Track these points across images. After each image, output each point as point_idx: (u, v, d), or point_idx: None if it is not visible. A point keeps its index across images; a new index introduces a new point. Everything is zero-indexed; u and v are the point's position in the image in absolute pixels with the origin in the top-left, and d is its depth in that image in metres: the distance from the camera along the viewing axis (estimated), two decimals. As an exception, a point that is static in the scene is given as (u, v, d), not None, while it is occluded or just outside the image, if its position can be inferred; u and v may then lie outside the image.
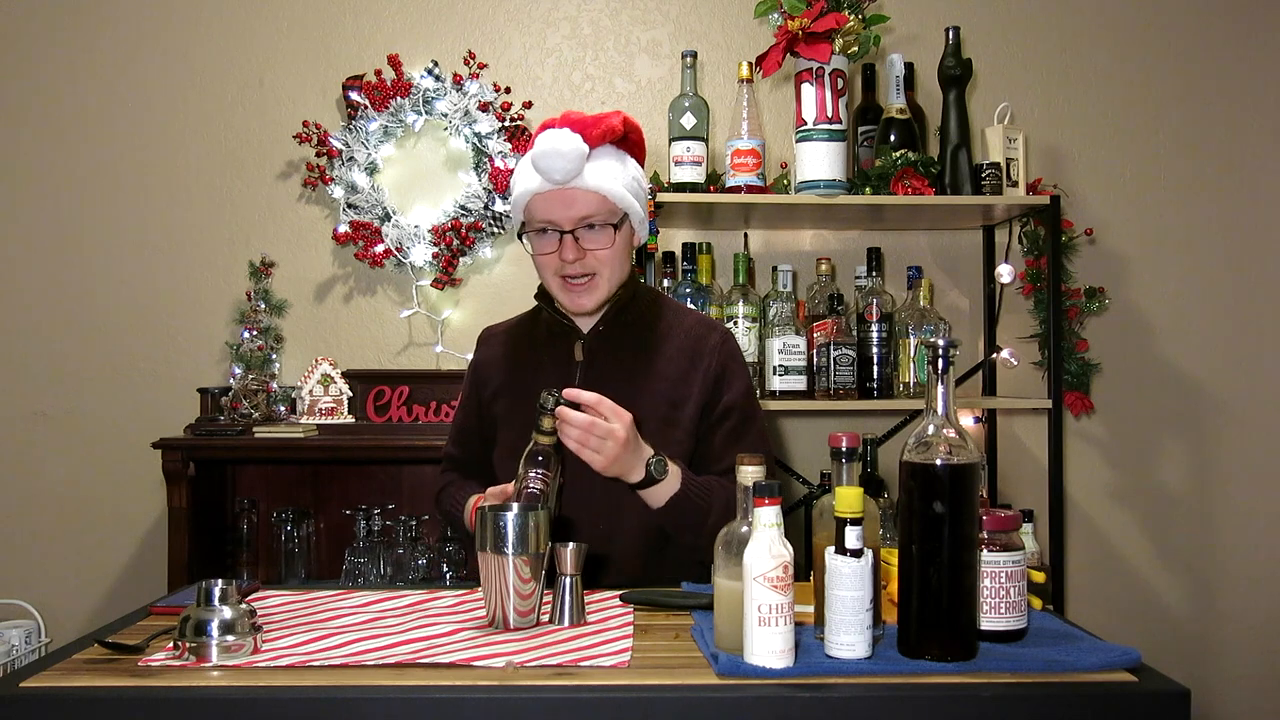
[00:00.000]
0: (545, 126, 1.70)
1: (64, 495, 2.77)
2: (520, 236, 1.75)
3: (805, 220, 2.74)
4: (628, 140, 1.73)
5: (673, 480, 1.61)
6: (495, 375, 1.83)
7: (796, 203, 2.45)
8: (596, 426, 1.52)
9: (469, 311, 2.81)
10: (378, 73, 2.75)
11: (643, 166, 1.78)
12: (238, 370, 2.67)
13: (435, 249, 2.73)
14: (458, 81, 2.74)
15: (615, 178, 1.68)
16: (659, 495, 1.61)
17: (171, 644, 1.24)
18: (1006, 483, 2.79)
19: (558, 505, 1.64)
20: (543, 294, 1.83)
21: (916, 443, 1.18)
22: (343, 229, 2.74)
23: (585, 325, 1.77)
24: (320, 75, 2.80)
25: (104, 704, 1.12)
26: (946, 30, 2.55)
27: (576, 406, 1.53)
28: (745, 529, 1.21)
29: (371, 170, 2.75)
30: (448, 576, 2.49)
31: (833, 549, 1.17)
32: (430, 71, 2.74)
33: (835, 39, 2.34)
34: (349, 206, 2.74)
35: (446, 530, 2.55)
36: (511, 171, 2.71)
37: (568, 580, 1.38)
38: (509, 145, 2.73)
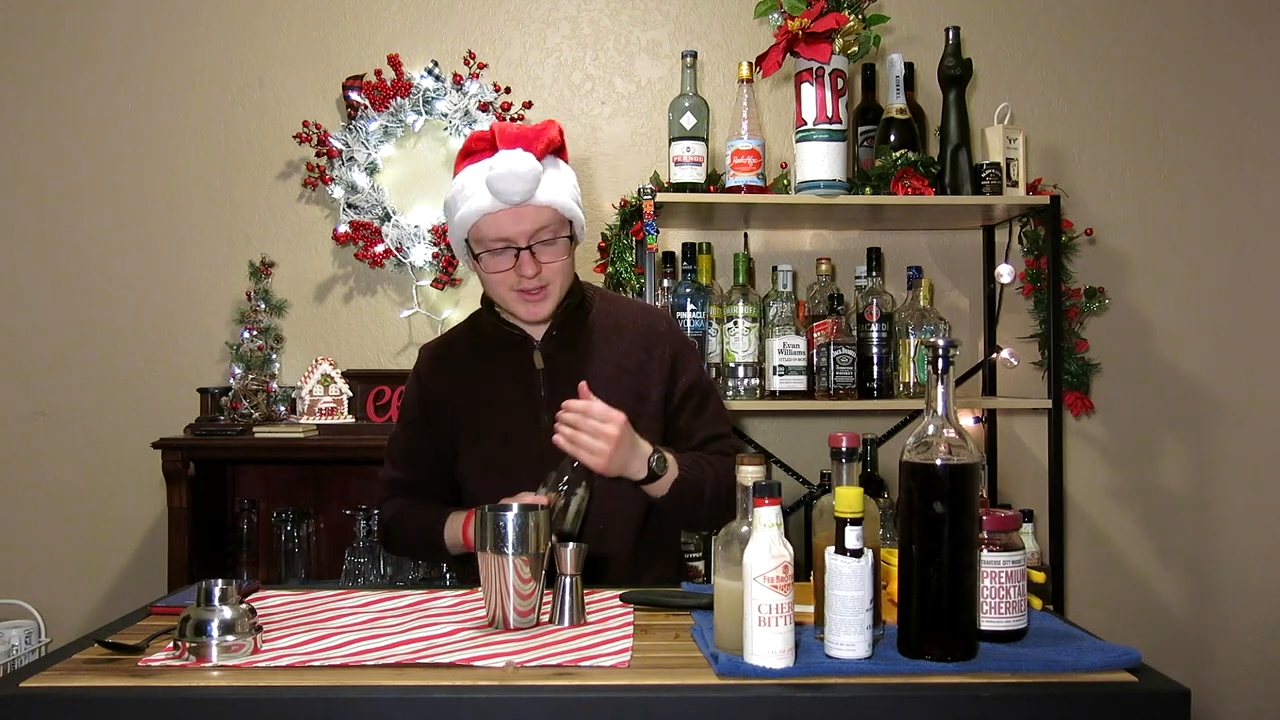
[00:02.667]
0: (479, 139, 1.70)
1: (64, 495, 2.77)
2: (476, 256, 1.73)
3: (805, 220, 2.74)
4: (562, 148, 1.75)
5: (671, 469, 1.67)
6: (448, 391, 1.82)
7: (796, 203, 2.45)
8: (586, 422, 1.57)
9: (469, 311, 2.79)
10: (378, 73, 2.75)
11: (568, 165, 1.78)
12: (238, 370, 2.67)
13: (435, 249, 2.73)
14: (458, 81, 2.74)
15: (563, 190, 1.71)
16: (661, 485, 1.67)
17: (171, 644, 1.24)
18: (1006, 483, 2.79)
19: (581, 526, 1.67)
20: (489, 306, 1.84)
21: (916, 443, 1.18)
22: (343, 229, 2.74)
23: (536, 333, 1.79)
24: (320, 75, 2.80)
25: (104, 704, 1.12)
26: (946, 30, 2.55)
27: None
28: (745, 529, 1.21)
29: (371, 170, 2.75)
30: (448, 576, 2.49)
31: (833, 549, 1.17)
32: (430, 71, 2.74)
33: (835, 39, 2.34)
34: (349, 206, 2.74)
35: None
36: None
37: (568, 580, 1.38)
38: (509, 145, 2.73)
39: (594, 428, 1.57)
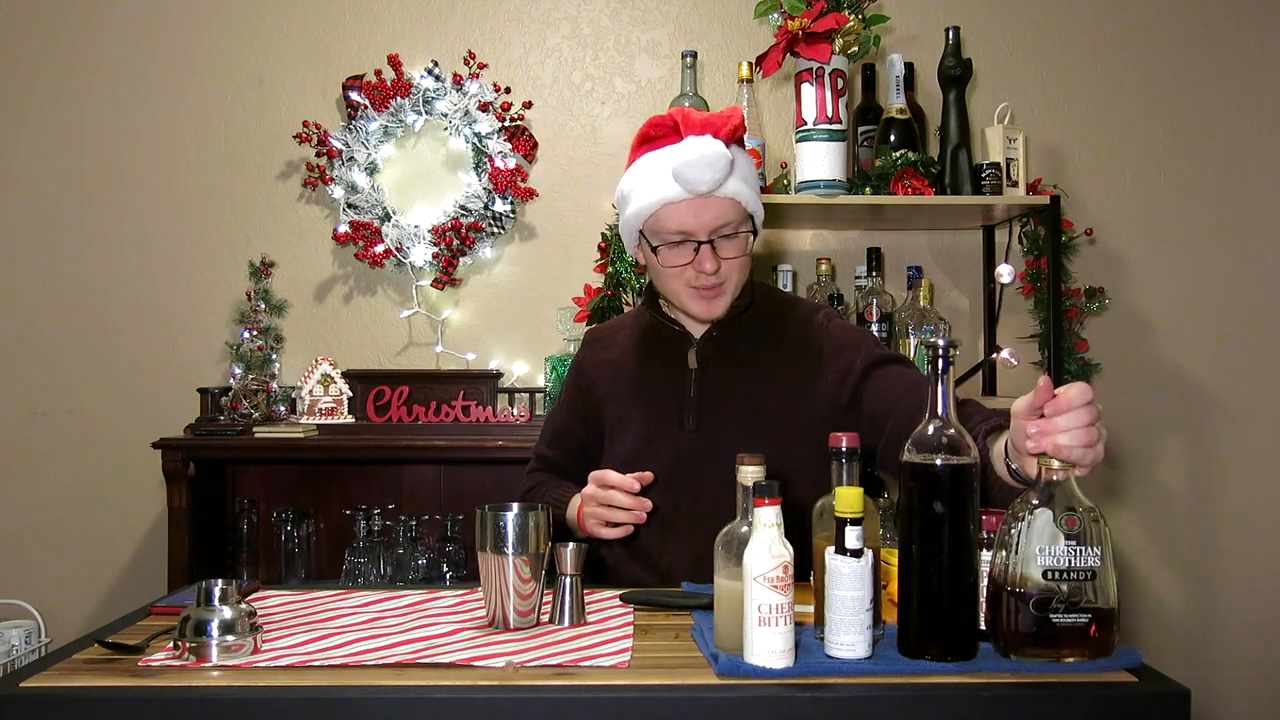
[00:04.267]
0: (658, 126, 1.60)
1: (64, 495, 2.77)
2: (654, 249, 1.63)
3: (805, 220, 2.74)
4: (742, 138, 1.65)
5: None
6: (603, 379, 1.78)
7: (796, 203, 2.45)
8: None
9: (469, 312, 2.81)
10: (378, 73, 2.75)
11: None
12: (238, 370, 2.67)
13: (435, 249, 2.73)
14: (458, 81, 2.74)
15: (746, 180, 1.62)
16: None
17: (171, 644, 1.24)
18: (1006, 483, 2.78)
19: None
20: (651, 299, 1.77)
21: (916, 442, 1.18)
22: (343, 229, 2.74)
23: (696, 331, 1.72)
24: (320, 75, 2.80)
25: (104, 704, 1.12)
26: (946, 30, 2.55)
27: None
28: (745, 529, 1.21)
29: (371, 170, 2.75)
30: (448, 576, 2.49)
31: (833, 549, 1.17)
32: (430, 71, 2.74)
33: (835, 39, 2.34)
34: (349, 206, 2.74)
35: (447, 530, 2.54)
36: (511, 172, 2.72)
37: (568, 580, 1.38)
38: (509, 145, 2.73)
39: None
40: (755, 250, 2.74)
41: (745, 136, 1.74)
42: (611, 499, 1.58)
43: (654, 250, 1.64)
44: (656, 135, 1.61)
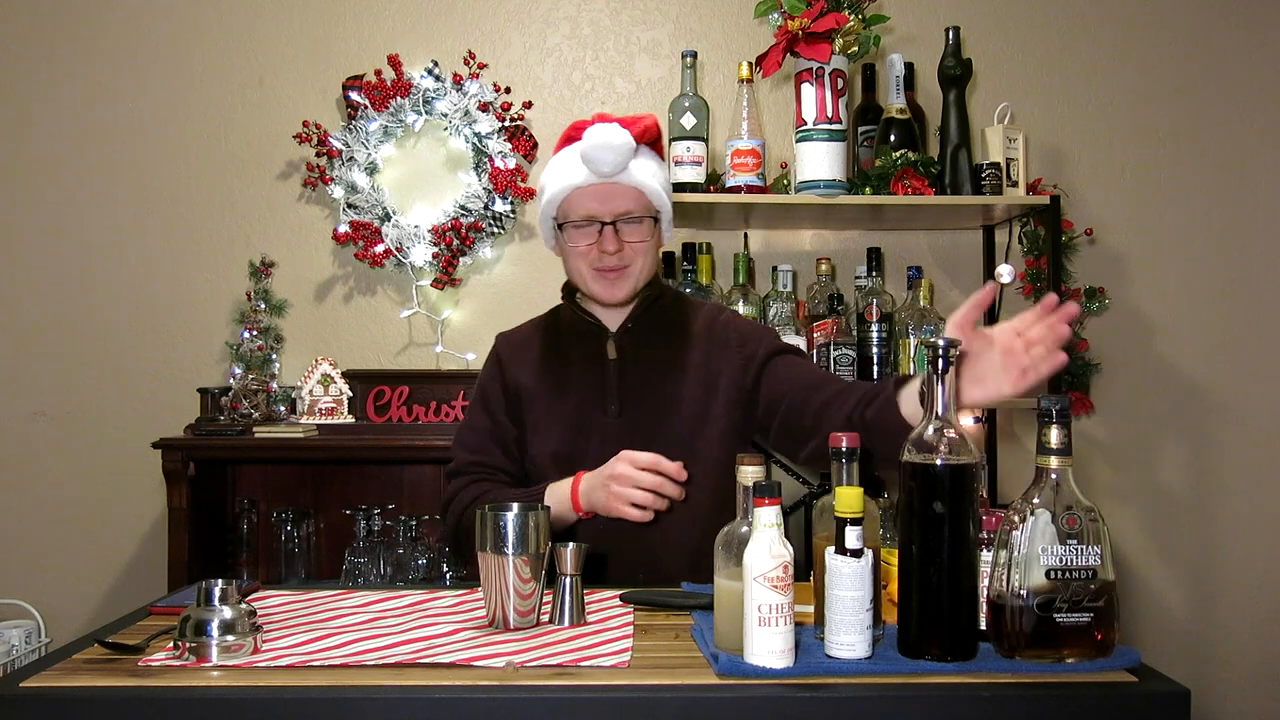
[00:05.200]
0: (578, 127, 1.73)
1: (64, 495, 2.77)
2: (560, 228, 1.75)
3: (805, 220, 2.74)
4: (657, 141, 1.79)
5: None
6: (527, 377, 1.80)
7: (796, 203, 2.45)
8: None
9: (469, 311, 2.81)
10: (378, 73, 2.75)
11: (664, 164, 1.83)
12: (238, 370, 2.67)
13: (435, 249, 2.73)
14: (458, 81, 2.74)
15: (654, 176, 1.74)
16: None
17: (171, 644, 1.24)
18: (1006, 483, 2.78)
19: None
20: (569, 294, 1.85)
21: (916, 442, 1.18)
22: (343, 229, 2.74)
23: (612, 324, 1.79)
24: (320, 75, 2.80)
25: (104, 704, 1.12)
26: (946, 30, 2.55)
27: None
28: (745, 529, 1.21)
29: (371, 170, 2.75)
30: (448, 576, 2.49)
31: (833, 549, 1.17)
32: (430, 71, 2.74)
33: (835, 39, 2.34)
34: (349, 206, 2.74)
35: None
36: (511, 172, 2.72)
37: (568, 580, 1.38)
38: (509, 145, 2.73)
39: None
40: (756, 249, 2.76)
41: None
42: (642, 481, 1.59)
43: (562, 230, 1.76)
44: (575, 134, 1.74)
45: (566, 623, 1.37)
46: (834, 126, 2.40)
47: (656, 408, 1.74)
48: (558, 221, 1.76)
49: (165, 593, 2.31)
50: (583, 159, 1.69)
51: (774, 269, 2.65)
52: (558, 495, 1.67)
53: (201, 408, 2.62)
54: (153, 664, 1.20)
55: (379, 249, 2.73)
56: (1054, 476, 1.16)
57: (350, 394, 2.60)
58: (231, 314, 2.77)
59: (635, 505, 1.60)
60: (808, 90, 2.39)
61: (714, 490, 1.69)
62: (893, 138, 2.51)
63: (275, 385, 2.70)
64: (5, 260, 2.79)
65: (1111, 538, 1.19)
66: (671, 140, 2.49)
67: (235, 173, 2.81)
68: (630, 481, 1.59)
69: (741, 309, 2.51)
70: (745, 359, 1.77)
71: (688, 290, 2.54)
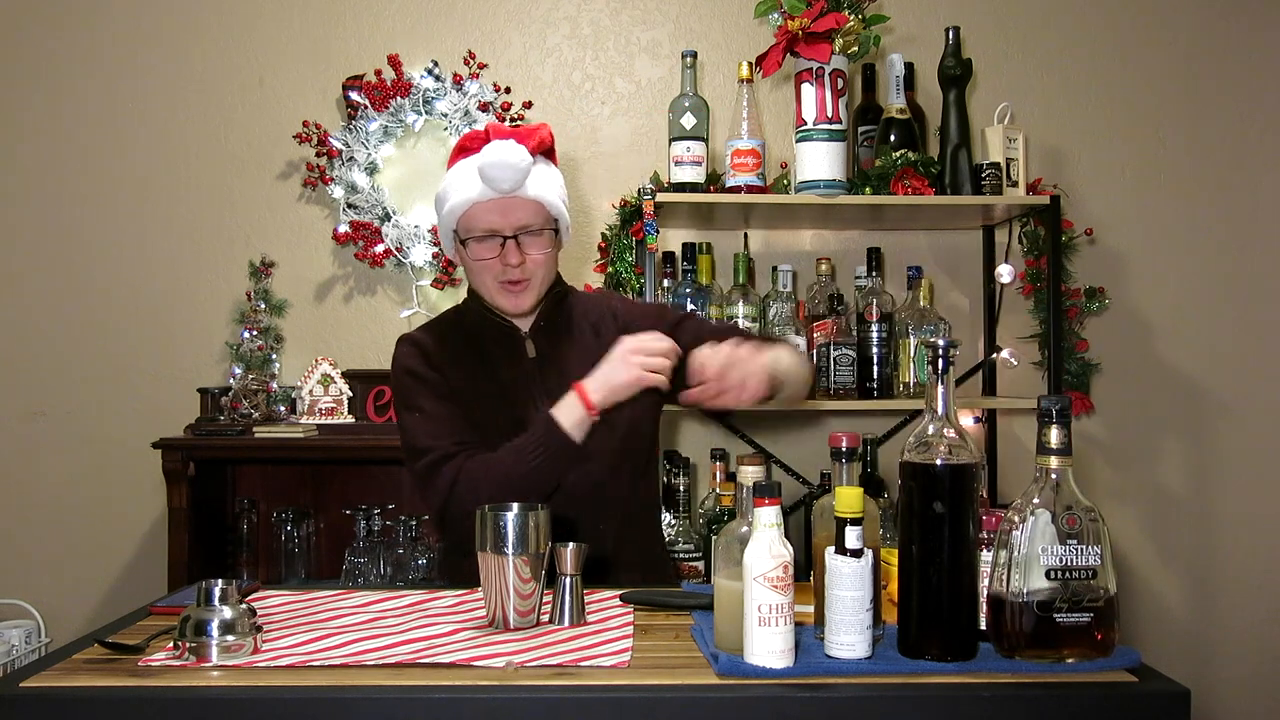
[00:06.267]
0: (473, 138, 1.76)
1: (64, 495, 2.77)
2: (463, 243, 1.76)
3: (805, 220, 2.74)
4: (551, 151, 1.83)
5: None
6: (455, 377, 1.78)
7: (796, 203, 2.45)
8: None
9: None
10: (378, 73, 2.75)
11: (560, 173, 1.84)
12: (238, 370, 2.67)
13: (435, 249, 2.73)
14: (458, 81, 2.74)
15: (552, 188, 1.77)
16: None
17: (171, 644, 1.24)
18: (1006, 483, 2.79)
19: None
20: (474, 298, 1.85)
21: (916, 443, 1.18)
22: (343, 229, 2.74)
23: (524, 325, 1.83)
24: (320, 75, 2.80)
25: (104, 704, 1.12)
26: (946, 30, 2.55)
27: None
28: (745, 529, 1.21)
29: (371, 170, 2.75)
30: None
31: (833, 549, 1.17)
32: (430, 71, 2.74)
33: (835, 39, 2.34)
34: (349, 206, 2.74)
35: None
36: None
37: (568, 580, 1.38)
38: (509, 145, 2.73)
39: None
40: (756, 249, 2.76)
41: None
42: (655, 348, 1.65)
43: (464, 244, 1.77)
44: (471, 146, 1.76)
45: (566, 623, 1.37)
46: (834, 126, 2.40)
47: None
48: (459, 235, 1.78)
49: (165, 593, 2.31)
50: (481, 176, 1.71)
51: (774, 269, 2.65)
52: (565, 409, 1.66)
53: (201, 408, 2.62)
54: (153, 664, 1.20)
55: (379, 249, 2.73)
56: (1054, 476, 1.16)
57: (350, 394, 2.60)
58: (231, 314, 2.77)
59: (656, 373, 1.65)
60: (808, 90, 2.40)
61: (623, 441, 1.76)
62: (893, 138, 2.51)
63: (275, 385, 2.70)
64: (5, 260, 2.79)
65: (1111, 538, 1.19)
66: (671, 140, 2.49)
67: (235, 173, 2.81)
68: (646, 351, 1.65)
69: (741, 309, 2.51)
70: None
71: (688, 290, 2.54)
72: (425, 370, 1.78)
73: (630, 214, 2.53)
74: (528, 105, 2.76)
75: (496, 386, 1.79)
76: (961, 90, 2.54)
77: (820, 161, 2.41)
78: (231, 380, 2.66)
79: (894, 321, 2.55)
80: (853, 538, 1.16)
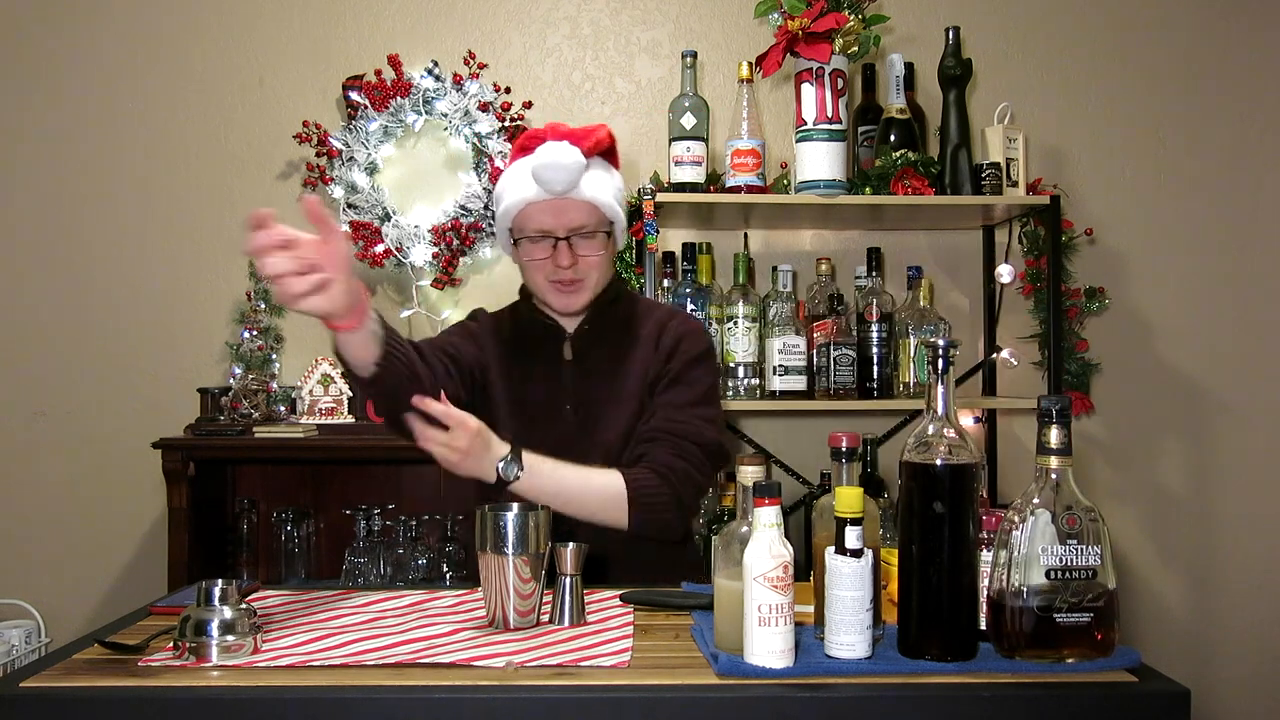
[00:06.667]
0: (533, 138, 1.76)
1: (64, 495, 2.77)
2: (516, 243, 1.78)
3: (805, 220, 2.74)
4: (611, 151, 1.81)
5: (536, 477, 1.61)
6: (493, 352, 1.83)
7: (796, 203, 2.45)
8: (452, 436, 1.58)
9: (468, 311, 2.79)
10: (378, 73, 2.75)
11: (619, 174, 1.84)
12: (238, 370, 2.67)
13: (435, 249, 2.73)
14: (458, 81, 2.74)
15: (606, 189, 1.76)
16: (535, 492, 1.59)
17: (171, 644, 1.24)
18: (1006, 483, 2.79)
19: None
20: (525, 296, 1.88)
21: (916, 443, 1.18)
22: (343, 229, 2.74)
23: (569, 326, 1.83)
24: (320, 75, 2.80)
25: (104, 704, 1.12)
26: (946, 30, 2.55)
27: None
28: (745, 529, 1.21)
29: (371, 170, 2.75)
30: (448, 576, 2.49)
31: (833, 549, 1.17)
32: (430, 71, 2.73)
33: (835, 39, 2.34)
34: (349, 206, 2.74)
35: (447, 530, 2.54)
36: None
37: (568, 580, 1.38)
38: (509, 145, 2.73)
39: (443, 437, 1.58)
40: (756, 249, 2.76)
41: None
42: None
43: (517, 244, 1.78)
44: (529, 145, 1.76)
45: (566, 623, 1.37)
46: (834, 126, 2.40)
47: (604, 406, 1.78)
48: (513, 235, 1.79)
49: (165, 593, 2.31)
50: (534, 177, 1.71)
51: (774, 269, 2.65)
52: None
53: (201, 408, 2.62)
54: (153, 664, 1.20)
55: (379, 249, 2.73)
56: (1054, 476, 1.16)
57: (350, 394, 2.60)
58: (231, 314, 2.77)
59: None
60: (808, 90, 2.40)
61: (624, 441, 1.75)
62: (893, 138, 2.51)
63: (275, 385, 2.70)
64: (5, 260, 2.79)
65: (1111, 538, 1.19)
66: (671, 140, 2.49)
67: (235, 173, 2.81)
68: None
69: (741, 309, 2.51)
70: (662, 362, 1.78)
71: (688, 290, 2.54)
72: (469, 334, 1.85)
73: (630, 214, 2.51)
74: (528, 105, 2.76)
75: (529, 383, 1.80)
76: (961, 90, 2.54)
77: (820, 161, 2.42)
78: (231, 380, 2.66)
79: (894, 321, 2.55)
80: (853, 538, 1.16)
